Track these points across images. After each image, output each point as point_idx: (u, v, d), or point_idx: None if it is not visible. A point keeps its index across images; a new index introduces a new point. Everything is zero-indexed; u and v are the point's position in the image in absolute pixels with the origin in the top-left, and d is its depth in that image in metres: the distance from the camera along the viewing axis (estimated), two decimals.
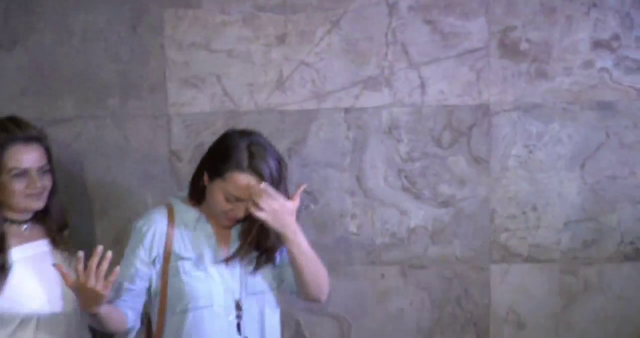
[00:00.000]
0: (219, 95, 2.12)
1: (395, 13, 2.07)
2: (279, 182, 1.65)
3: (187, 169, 2.07)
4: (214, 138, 1.79)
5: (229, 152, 1.65)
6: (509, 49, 2.06)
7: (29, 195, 1.66)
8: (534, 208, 2.13)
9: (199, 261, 1.71)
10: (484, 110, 2.09)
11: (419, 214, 2.13)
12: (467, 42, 2.06)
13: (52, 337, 1.66)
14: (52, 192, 1.74)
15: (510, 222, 2.14)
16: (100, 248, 1.53)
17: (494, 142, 2.10)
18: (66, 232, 1.82)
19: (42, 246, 1.74)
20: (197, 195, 1.75)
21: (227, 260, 1.72)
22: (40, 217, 1.75)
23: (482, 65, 2.07)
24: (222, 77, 2.11)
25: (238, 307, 1.72)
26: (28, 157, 1.66)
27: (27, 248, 1.70)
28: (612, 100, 2.06)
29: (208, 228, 1.74)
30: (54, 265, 1.59)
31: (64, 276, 1.53)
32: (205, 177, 1.70)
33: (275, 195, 1.61)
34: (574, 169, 2.11)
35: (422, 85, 2.09)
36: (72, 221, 2.18)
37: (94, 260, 1.50)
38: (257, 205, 1.59)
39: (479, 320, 2.19)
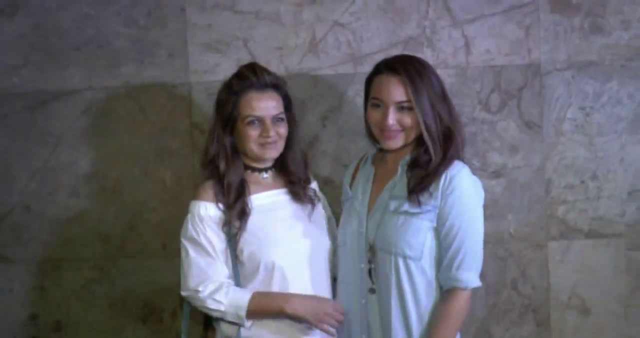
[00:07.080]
0: (245, 61, 1.99)
1: None
2: (416, 78, 1.66)
3: None
4: None
5: (370, 72, 1.75)
6: (560, 2, 2.03)
7: (262, 144, 1.71)
8: (594, 177, 2.06)
9: (351, 201, 1.79)
10: (535, 70, 2.04)
11: None
12: None
13: (295, 282, 1.70)
14: (290, 142, 1.78)
15: (569, 192, 2.07)
16: None
17: (546, 105, 2.05)
18: (312, 186, 1.86)
19: (280, 194, 1.78)
20: (373, 139, 1.80)
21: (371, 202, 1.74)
22: (280, 167, 1.80)
23: (531, 21, 2.03)
24: (249, 41, 2.08)
25: (372, 253, 1.69)
26: (262, 104, 1.70)
27: (265, 196, 1.76)
28: None
29: (370, 169, 1.78)
30: None
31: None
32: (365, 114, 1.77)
33: None
34: (637, 131, 2.04)
35: (467, 45, 2.06)
36: (81, 205, 2.15)
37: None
38: None
39: (539, 306, 2.10)
